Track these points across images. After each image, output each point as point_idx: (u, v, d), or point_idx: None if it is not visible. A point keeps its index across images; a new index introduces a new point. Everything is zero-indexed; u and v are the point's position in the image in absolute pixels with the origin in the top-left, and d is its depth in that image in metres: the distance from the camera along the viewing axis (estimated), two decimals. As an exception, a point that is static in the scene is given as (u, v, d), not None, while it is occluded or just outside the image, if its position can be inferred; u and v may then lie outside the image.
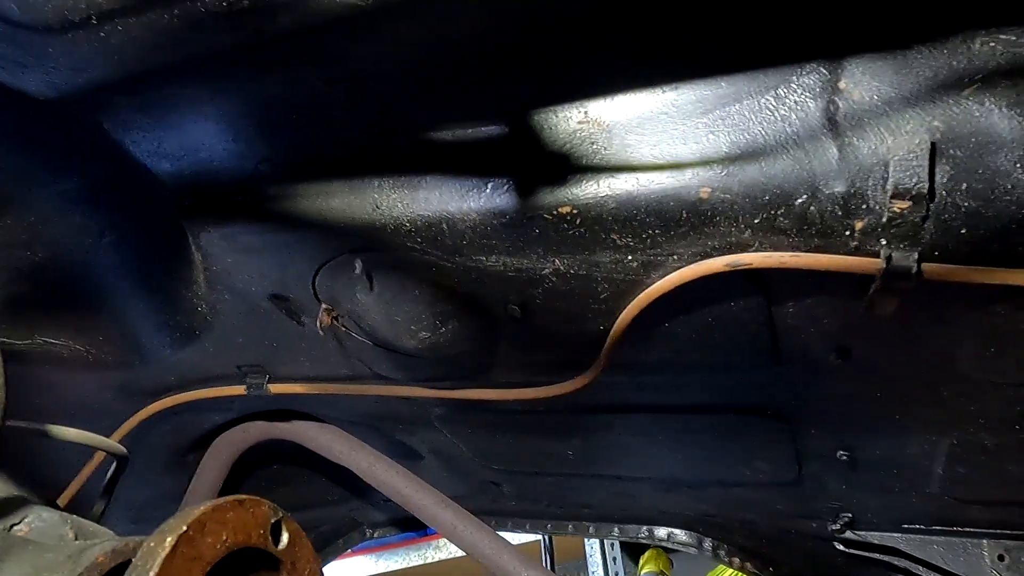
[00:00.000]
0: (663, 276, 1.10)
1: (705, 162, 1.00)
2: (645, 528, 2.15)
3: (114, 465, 1.03)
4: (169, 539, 0.59)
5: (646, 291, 1.13)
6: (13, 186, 1.33)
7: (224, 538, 0.64)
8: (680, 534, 2.11)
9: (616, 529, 2.19)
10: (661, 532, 2.13)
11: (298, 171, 1.19)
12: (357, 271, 1.24)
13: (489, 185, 1.10)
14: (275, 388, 1.68)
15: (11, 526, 0.76)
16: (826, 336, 1.19)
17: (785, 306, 1.15)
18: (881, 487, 1.61)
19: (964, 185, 0.91)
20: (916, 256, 0.96)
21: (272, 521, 0.70)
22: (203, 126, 1.19)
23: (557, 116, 1.07)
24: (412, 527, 2.45)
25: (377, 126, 1.13)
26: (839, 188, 0.95)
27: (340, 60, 1.02)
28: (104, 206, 1.40)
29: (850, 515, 1.75)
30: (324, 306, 1.36)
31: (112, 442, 1.00)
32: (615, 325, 1.21)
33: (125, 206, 1.39)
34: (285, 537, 0.71)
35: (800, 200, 0.97)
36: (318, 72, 1.05)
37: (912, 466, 1.51)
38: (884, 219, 0.95)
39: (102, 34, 0.91)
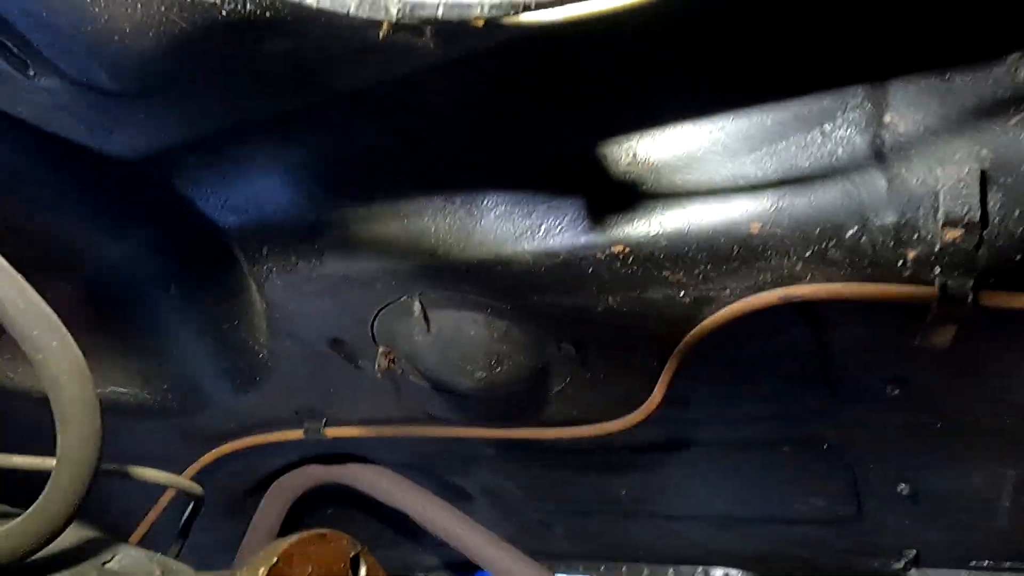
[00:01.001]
0: (716, 311, 1.12)
1: (754, 198, 1.03)
2: (701, 568, 2.11)
3: (191, 505, 1.07)
4: (261, 570, 0.62)
5: (699, 326, 1.15)
6: (87, 242, 1.41)
7: (309, 570, 0.67)
8: (736, 574, 2.07)
9: (671, 570, 2.15)
10: (717, 573, 2.09)
11: (359, 218, 1.24)
12: (416, 313, 1.28)
13: (542, 227, 1.14)
14: (331, 432, 1.72)
15: (103, 563, 0.79)
16: (882, 366, 1.19)
17: (840, 337, 1.15)
18: (945, 522, 1.57)
19: (1017, 212, 0.92)
20: (971, 284, 0.96)
21: (352, 554, 0.73)
22: (268, 180, 1.25)
23: (607, 159, 1.10)
24: (465, 570, 2.44)
25: (434, 174, 1.18)
26: (890, 219, 0.97)
27: (401, 113, 1.08)
28: (172, 259, 1.47)
29: (914, 552, 1.70)
30: (382, 349, 1.41)
31: (190, 482, 1.04)
32: (669, 361, 1.23)
33: (192, 258, 1.46)
34: (363, 570, 0.74)
35: (851, 232, 0.99)
36: (380, 124, 1.11)
37: (977, 499, 1.47)
38: (937, 248, 0.95)
39: (181, 98, 0.98)
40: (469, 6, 0.55)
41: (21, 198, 1.27)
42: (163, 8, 0.83)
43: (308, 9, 0.57)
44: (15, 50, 0.94)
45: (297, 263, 1.31)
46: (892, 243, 0.98)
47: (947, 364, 1.16)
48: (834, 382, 1.25)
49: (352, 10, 0.57)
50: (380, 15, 0.57)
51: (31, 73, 0.97)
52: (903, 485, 1.49)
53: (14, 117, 1.03)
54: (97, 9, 0.83)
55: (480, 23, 0.61)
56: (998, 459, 1.36)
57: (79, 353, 0.76)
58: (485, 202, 1.17)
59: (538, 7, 0.55)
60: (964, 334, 1.04)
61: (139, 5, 0.83)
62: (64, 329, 0.75)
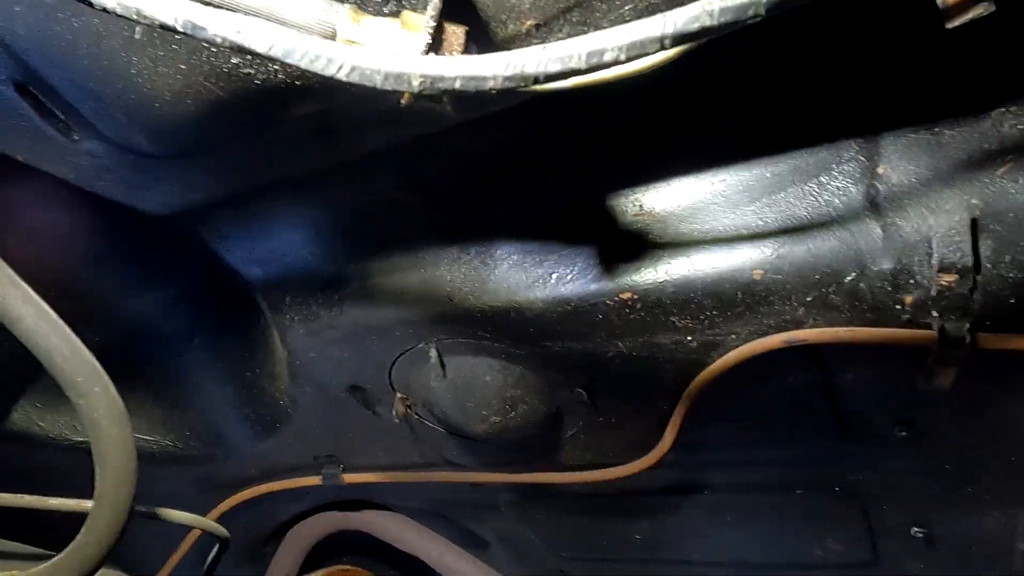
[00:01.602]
0: (723, 355, 1.15)
1: (756, 246, 1.07)
2: (719, 616, 2.10)
3: (216, 548, 1.10)
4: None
5: (707, 370, 1.18)
6: (118, 295, 1.47)
7: (334, 605, 0.70)
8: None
9: (688, 618, 2.14)
10: (735, 620, 2.07)
11: (377, 268, 1.30)
12: (432, 360, 1.32)
13: (554, 276, 1.18)
14: (349, 478, 1.75)
15: (136, 602, 0.83)
16: (888, 409, 1.21)
17: (845, 380, 1.18)
18: (962, 566, 1.57)
19: (1008, 257, 0.96)
20: (968, 327, 1.00)
21: (374, 591, 0.76)
22: (291, 233, 1.32)
23: (615, 210, 1.16)
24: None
25: (448, 225, 1.23)
26: (886, 265, 1.01)
27: (415, 170, 1.14)
28: (197, 310, 1.52)
29: (932, 598, 1.69)
30: (399, 395, 1.45)
31: (216, 524, 1.08)
32: (679, 405, 1.26)
33: (217, 309, 1.52)
34: (385, 606, 0.77)
35: (850, 278, 1.03)
36: (395, 181, 1.18)
37: (992, 542, 1.47)
38: (933, 292, 0.99)
39: (215, 159, 1.04)
40: (485, 79, 0.61)
41: (60, 255, 1.34)
42: (201, 77, 0.90)
43: (338, 80, 0.63)
44: (61, 116, 1.01)
45: (318, 312, 1.37)
46: (890, 288, 1.02)
47: (952, 406, 1.18)
48: (843, 424, 1.28)
49: (379, 84, 0.63)
50: (404, 87, 0.62)
51: (75, 137, 1.04)
52: (917, 529, 1.50)
53: (56, 178, 1.10)
54: (140, 79, 0.90)
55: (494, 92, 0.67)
56: (1011, 501, 1.37)
57: (119, 399, 0.81)
58: (499, 252, 1.22)
59: (547, 79, 0.61)
60: (966, 376, 1.07)
61: (179, 75, 0.90)
62: (106, 376, 0.80)
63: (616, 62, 0.59)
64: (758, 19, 0.55)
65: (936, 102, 1.00)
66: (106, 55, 0.88)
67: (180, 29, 0.64)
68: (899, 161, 1.01)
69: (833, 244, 1.03)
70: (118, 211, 1.20)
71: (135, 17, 0.65)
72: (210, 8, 0.65)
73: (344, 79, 0.63)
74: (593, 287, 1.16)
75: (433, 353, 1.32)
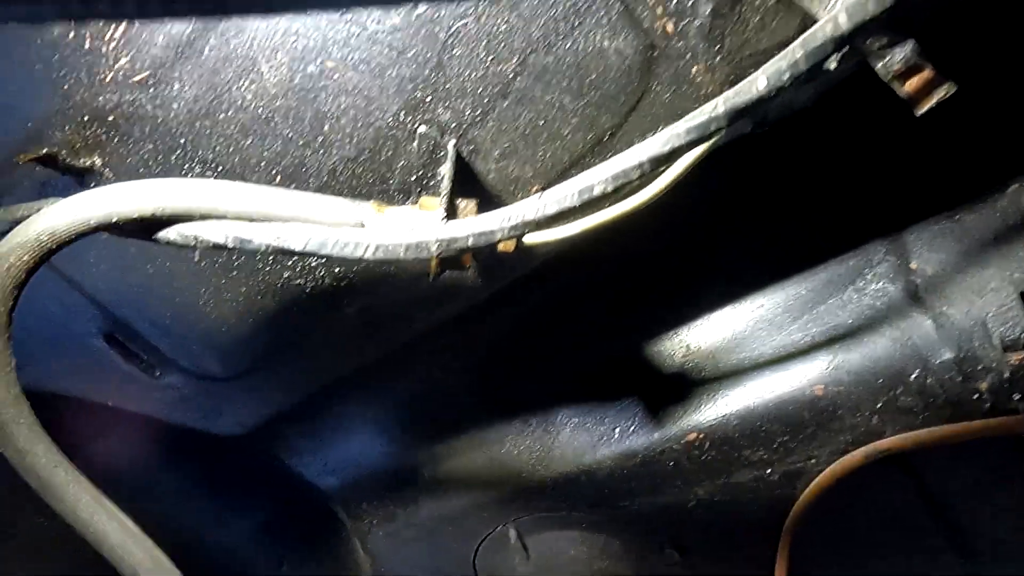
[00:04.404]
0: (808, 483, 1.10)
1: (809, 362, 1.06)
2: None
3: None
4: None
5: (797, 503, 1.12)
6: (204, 527, 1.51)
7: None
8: None
9: None
10: None
11: (444, 455, 1.31)
12: (513, 542, 1.29)
13: (616, 431, 1.18)
14: None
15: None
16: (1009, 513, 1.11)
17: (949, 488, 1.10)
18: None
19: (1070, 323, 0.92)
20: (1058, 403, 0.94)
21: None
22: (358, 436, 1.36)
23: (663, 355, 1.17)
24: None
25: (504, 400, 1.26)
26: (948, 355, 0.98)
27: (461, 353, 1.20)
28: (282, 535, 1.54)
29: None
30: (488, 588, 1.39)
31: None
32: (780, 547, 1.18)
33: (301, 531, 1.53)
34: None
35: (914, 375, 1.00)
36: (446, 366, 1.23)
37: None
38: (1007, 374, 0.95)
39: (277, 370, 1.12)
40: (493, 232, 0.68)
41: (146, 494, 1.41)
42: (259, 296, 1.00)
43: (369, 266, 0.71)
44: (144, 356, 1.12)
45: (395, 512, 1.37)
46: (960, 378, 0.98)
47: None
48: (963, 541, 1.16)
49: (403, 255, 0.70)
50: (424, 254, 0.69)
51: (157, 374, 1.14)
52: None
53: (140, 417, 1.20)
54: (208, 308, 1.01)
55: (508, 247, 0.74)
56: None
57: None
58: (559, 417, 1.23)
59: (549, 222, 0.67)
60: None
61: (240, 297, 1.00)
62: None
63: (604, 194, 0.64)
64: (721, 132, 0.61)
65: (949, 190, 1.02)
66: (177, 292, 1.00)
67: (230, 245, 0.74)
68: (929, 253, 1.02)
69: (887, 345, 1.02)
70: (198, 443, 1.28)
71: (193, 243, 0.76)
72: (253, 223, 0.75)
73: (371, 258, 0.71)
74: (657, 435, 1.14)
75: (512, 534, 1.29)
